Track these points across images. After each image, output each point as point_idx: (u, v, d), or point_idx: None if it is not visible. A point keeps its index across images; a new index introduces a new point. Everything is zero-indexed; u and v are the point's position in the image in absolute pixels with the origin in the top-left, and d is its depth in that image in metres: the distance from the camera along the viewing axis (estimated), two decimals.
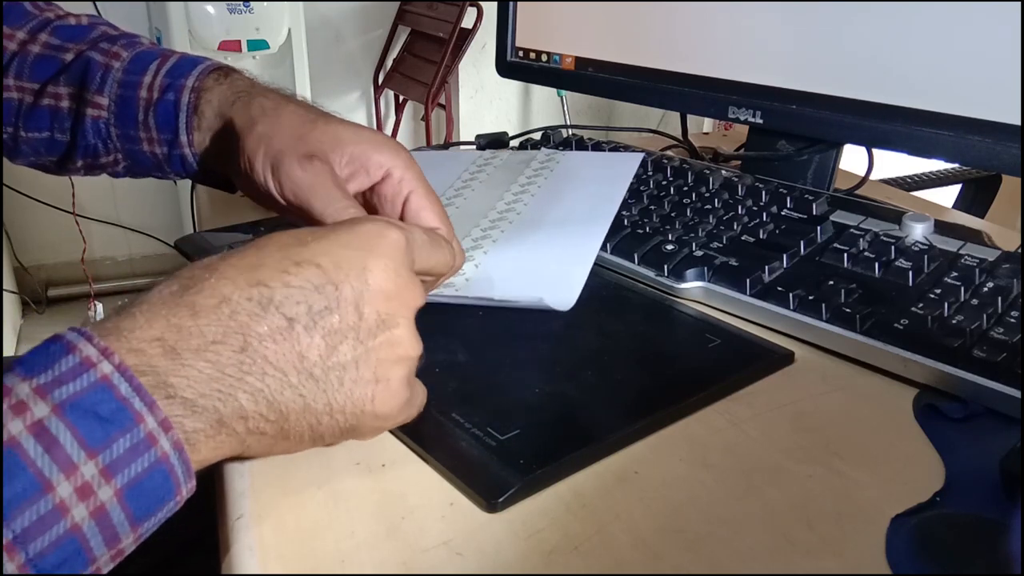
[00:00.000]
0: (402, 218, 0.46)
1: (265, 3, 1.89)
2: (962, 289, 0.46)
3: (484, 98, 2.70)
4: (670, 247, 0.55)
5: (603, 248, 0.57)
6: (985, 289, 0.46)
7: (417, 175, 0.46)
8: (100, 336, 0.28)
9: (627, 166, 0.61)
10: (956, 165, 1.01)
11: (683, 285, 0.53)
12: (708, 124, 1.94)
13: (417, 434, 0.38)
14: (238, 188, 0.52)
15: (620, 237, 0.58)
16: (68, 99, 0.53)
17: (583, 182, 0.61)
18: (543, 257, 0.53)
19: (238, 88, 0.50)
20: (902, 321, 0.45)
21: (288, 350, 0.31)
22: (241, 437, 0.31)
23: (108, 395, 0.26)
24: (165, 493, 0.28)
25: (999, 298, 0.45)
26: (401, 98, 2.52)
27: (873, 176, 0.71)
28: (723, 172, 0.64)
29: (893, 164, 0.86)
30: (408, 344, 0.34)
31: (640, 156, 0.62)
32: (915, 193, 0.89)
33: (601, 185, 0.59)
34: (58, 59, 0.53)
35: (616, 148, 0.73)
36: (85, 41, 0.54)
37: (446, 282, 0.52)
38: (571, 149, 0.73)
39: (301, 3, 1.98)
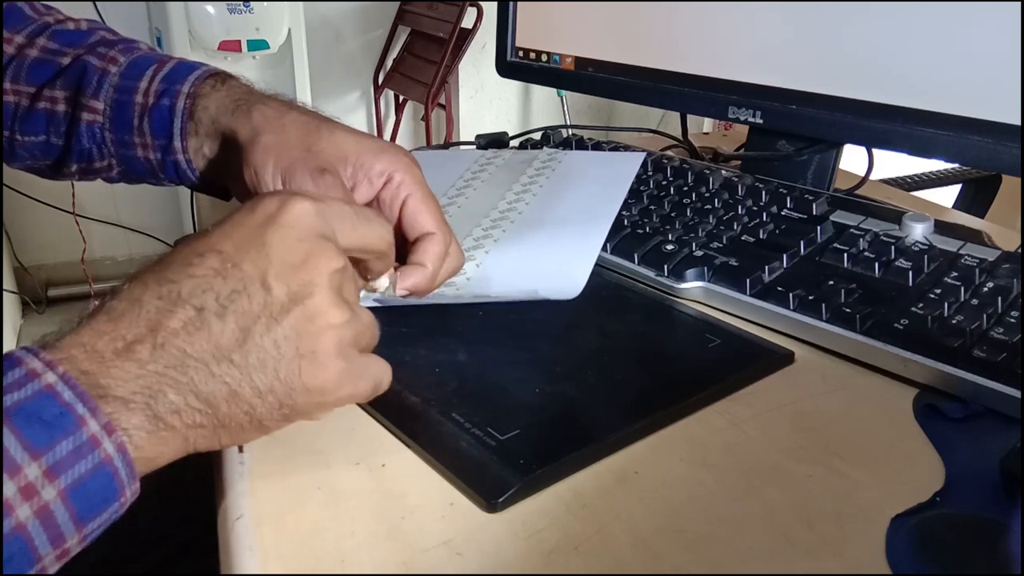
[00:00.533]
0: (399, 222, 0.46)
1: (265, 3, 1.89)
2: (962, 289, 0.46)
3: (484, 98, 2.70)
4: (670, 247, 0.55)
5: (603, 248, 0.57)
6: (985, 289, 0.46)
7: (416, 179, 0.46)
8: (45, 350, 0.29)
9: (629, 166, 0.61)
10: (956, 165, 1.01)
11: (683, 285, 0.53)
12: (708, 124, 1.93)
13: (417, 434, 0.38)
14: (234, 195, 0.52)
15: (620, 237, 0.58)
16: (64, 103, 0.53)
17: (585, 182, 0.61)
18: (545, 255, 0.53)
19: (236, 95, 0.50)
20: (902, 321, 0.45)
21: (203, 340, 0.31)
22: (181, 432, 0.31)
23: (51, 401, 0.27)
24: (110, 494, 0.28)
25: (999, 298, 0.45)
26: (401, 98, 2.52)
27: (873, 176, 0.71)
28: (723, 172, 0.64)
29: (893, 164, 0.86)
30: (329, 312, 0.33)
31: (642, 156, 0.62)
32: (915, 193, 0.89)
33: (603, 185, 0.59)
34: (55, 63, 0.53)
35: (616, 148, 0.73)
36: (83, 46, 0.54)
37: (447, 281, 0.52)
38: (571, 149, 0.73)
39: (301, 3, 1.98)
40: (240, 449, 0.38)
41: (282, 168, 0.45)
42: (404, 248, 0.45)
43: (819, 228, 0.54)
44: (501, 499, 0.34)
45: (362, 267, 0.39)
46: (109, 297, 0.31)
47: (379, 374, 0.36)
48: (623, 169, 0.61)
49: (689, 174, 0.64)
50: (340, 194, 0.44)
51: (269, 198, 0.34)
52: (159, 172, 0.53)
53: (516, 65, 0.82)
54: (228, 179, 0.50)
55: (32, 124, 0.54)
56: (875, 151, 0.67)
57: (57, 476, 0.27)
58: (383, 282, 0.42)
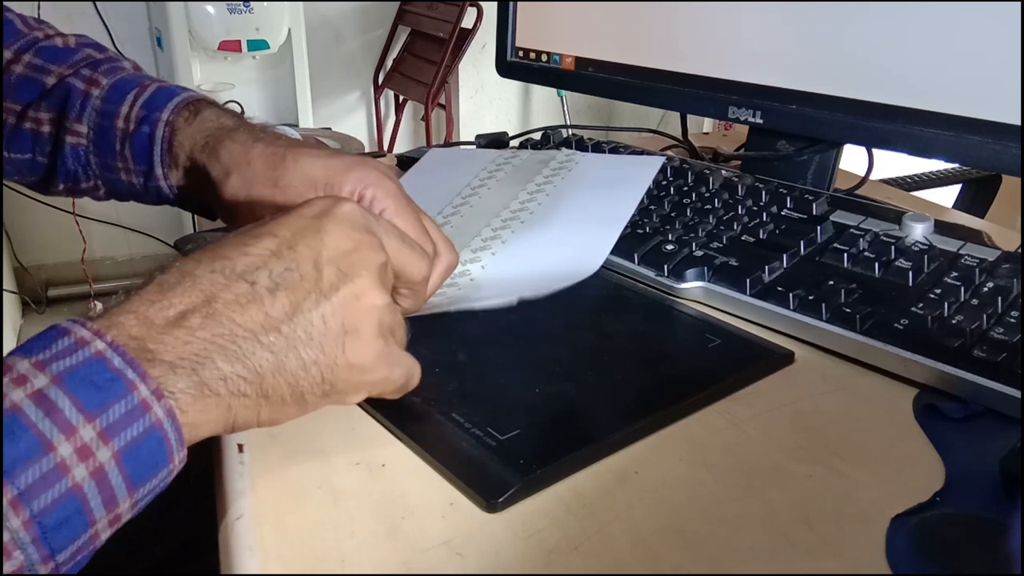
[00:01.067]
0: None
1: (265, 3, 1.89)
2: (962, 289, 0.46)
3: (484, 98, 2.70)
4: (670, 247, 0.55)
5: None
6: (985, 289, 0.46)
7: (388, 192, 0.46)
8: (92, 320, 0.30)
9: (647, 170, 0.60)
10: (956, 165, 1.01)
11: (683, 285, 0.53)
12: (708, 124, 1.94)
13: (417, 434, 0.38)
14: (219, 217, 0.52)
15: (620, 237, 0.58)
16: (49, 124, 0.54)
17: (599, 184, 0.60)
18: (550, 257, 0.53)
19: (206, 130, 0.51)
20: (902, 321, 0.45)
21: (255, 311, 0.32)
22: (225, 400, 0.31)
23: (102, 367, 0.28)
24: (160, 458, 0.29)
25: (999, 298, 0.45)
26: (401, 98, 2.52)
27: (873, 176, 0.71)
28: (723, 172, 0.64)
29: (893, 164, 0.86)
30: (373, 294, 0.35)
31: (660, 160, 0.62)
32: (915, 193, 0.89)
33: (618, 187, 0.59)
34: (39, 81, 0.54)
35: (616, 148, 0.73)
36: (68, 65, 0.54)
37: (448, 282, 0.52)
38: (571, 149, 0.73)
39: (301, 3, 1.98)
40: (240, 449, 0.38)
41: (252, 208, 0.46)
42: None
43: (819, 228, 0.54)
44: (501, 499, 0.34)
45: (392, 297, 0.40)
46: (158, 272, 0.33)
47: (412, 367, 0.38)
48: (640, 173, 0.60)
49: (689, 174, 0.64)
50: None
51: (326, 198, 0.37)
52: (143, 195, 0.54)
53: (516, 65, 0.82)
54: (210, 203, 0.51)
55: (18, 143, 0.54)
56: (875, 151, 0.67)
57: (111, 438, 0.27)
58: None
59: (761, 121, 0.63)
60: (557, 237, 0.55)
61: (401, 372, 0.37)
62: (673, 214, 0.60)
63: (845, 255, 0.51)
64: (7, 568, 0.25)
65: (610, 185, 0.60)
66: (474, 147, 0.81)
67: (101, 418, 0.27)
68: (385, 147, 2.55)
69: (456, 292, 0.51)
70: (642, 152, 0.70)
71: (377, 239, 0.37)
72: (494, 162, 0.67)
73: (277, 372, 0.32)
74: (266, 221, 0.35)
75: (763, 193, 0.60)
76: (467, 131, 2.56)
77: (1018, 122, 0.49)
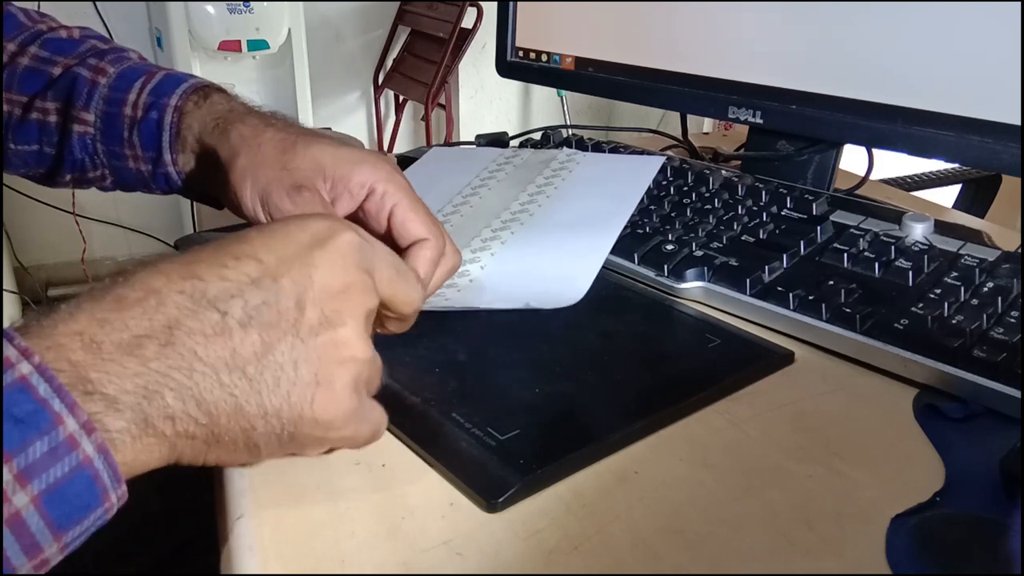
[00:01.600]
0: (389, 232, 0.45)
1: (265, 3, 1.89)
2: (962, 289, 0.46)
3: (484, 98, 2.70)
4: (670, 247, 0.55)
5: None
6: (985, 289, 0.46)
7: (399, 186, 0.45)
8: (22, 336, 0.26)
9: (647, 170, 0.60)
10: (956, 165, 1.01)
11: (683, 285, 0.53)
12: (708, 124, 1.94)
13: (417, 434, 0.38)
14: (225, 206, 0.52)
15: (620, 237, 0.58)
16: (55, 114, 0.53)
17: (600, 184, 0.60)
18: (549, 260, 0.53)
19: (216, 113, 0.50)
20: (902, 321, 0.45)
21: (220, 346, 0.29)
22: (170, 440, 0.29)
23: (25, 396, 0.25)
24: (90, 500, 0.26)
25: (999, 298, 0.45)
26: (401, 98, 2.52)
27: (873, 176, 0.71)
28: (723, 172, 0.64)
29: (893, 164, 0.86)
30: (355, 346, 0.32)
31: (660, 160, 0.62)
32: (915, 193, 0.89)
33: (617, 189, 0.59)
34: (46, 73, 0.54)
35: (616, 148, 0.73)
36: (74, 55, 0.54)
37: (448, 283, 0.52)
38: (571, 148, 0.73)
39: (301, 3, 1.98)
40: None
41: (259, 188, 0.45)
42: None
43: (819, 228, 0.54)
44: (501, 499, 0.34)
45: (377, 319, 0.38)
46: (120, 282, 0.29)
47: (379, 421, 0.35)
48: (640, 173, 0.60)
49: (689, 174, 0.64)
50: (319, 209, 0.43)
51: (319, 220, 0.33)
52: (151, 182, 0.54)
53: (516, 65, 0.82)
54: (217, 191, 0.50)
55: (25, 134, 0.54)
56: (875, 151, 0.67)
57: (30, 480, 0.24)
58: None
59: (761, 121, 0.63)
60: (556, 240, 0.55)
61: (368, 429, 0.34)
62: (673, 214, 0.60)
63: (845, 255, 0.51)
64: None
65: (610, 185, 0.60)
66: (474, 147, 0.80)
67: (20, 458, 0.24)
68: (385, 147, 2.55)
69: (455, 293, 0.51)
70: (642, 152, 0.70)
71: (370, 280, 0.33)
72: (495, 162, 0.67)
73: (233, 416, 0.29)
74: (250, 235, 0.32)
75: (763, 193, 0.60)
76: (467, 131, 2.56)
77: (1018, 122, 0.49)
